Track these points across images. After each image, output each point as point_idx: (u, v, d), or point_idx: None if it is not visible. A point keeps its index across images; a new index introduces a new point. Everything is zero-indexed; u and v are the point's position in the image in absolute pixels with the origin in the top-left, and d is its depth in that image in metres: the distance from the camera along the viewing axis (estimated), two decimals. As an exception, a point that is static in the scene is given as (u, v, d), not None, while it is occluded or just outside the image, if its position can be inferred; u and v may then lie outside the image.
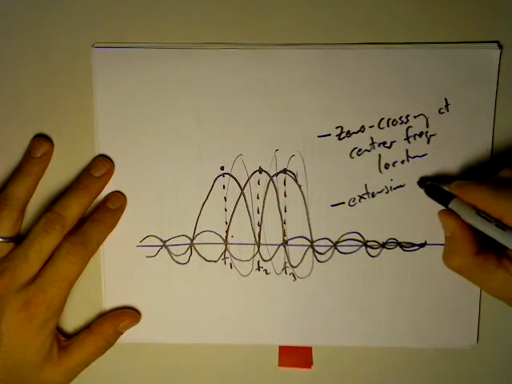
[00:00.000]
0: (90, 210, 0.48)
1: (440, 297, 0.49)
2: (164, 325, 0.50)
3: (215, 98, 0.47)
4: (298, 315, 0.50)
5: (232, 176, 0.48)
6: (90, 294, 0.50)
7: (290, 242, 0.49)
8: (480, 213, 0.42)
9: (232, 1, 0.47)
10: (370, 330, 0.50)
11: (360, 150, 0.48)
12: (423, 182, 0.48)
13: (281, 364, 0.51)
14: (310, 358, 0.51)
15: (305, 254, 0.49)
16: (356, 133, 0.48)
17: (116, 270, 0.49)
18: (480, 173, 0.48)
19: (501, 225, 0.41)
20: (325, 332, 0.50)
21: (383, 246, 0.49)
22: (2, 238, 0.46)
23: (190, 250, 0.49)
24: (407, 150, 0.48)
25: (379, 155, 0.48)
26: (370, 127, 0.48)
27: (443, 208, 0.44)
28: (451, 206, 0.44)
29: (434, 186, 0.46)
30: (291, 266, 0.49)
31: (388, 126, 0.48)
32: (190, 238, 0.49)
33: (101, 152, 0.48)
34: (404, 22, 0.47)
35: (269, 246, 0.49)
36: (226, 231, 0.49)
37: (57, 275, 0.45)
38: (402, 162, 0.48)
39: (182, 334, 0.50)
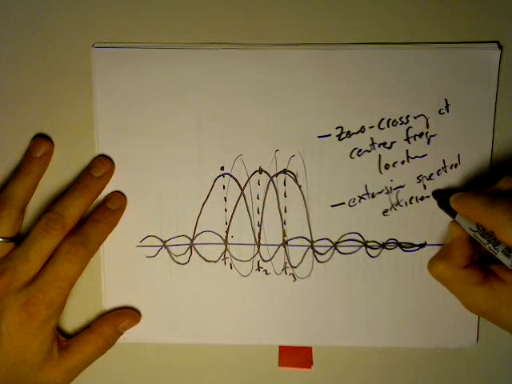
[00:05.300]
0: (90, 210, 0.48)
1: (440, 297, 0.49)
2: (164, 325, 0.50)
3: (215, 98, 0.47)
4: (298, 315, 0.50)
5: (232, 176, 0.48)
6: (90, 294, 0.50)
7: (289, 243, 0.49)
8: (479, 229, 0.42)
9: (232, 1, 0.47)
10: (370, 330, 0.50)
11: (360, 150, 0.48)
12: (437, 194, 0.48)
13: (281, 364, 0.51)
14: (310, 358, 0.51)
15: (305, 254, 0.49)
16: (356, 133, 0.48)
17: (116, 270, 0.49)
18: (480, 173, 0.48)
19: (493, 242, 0.41)
20: (325, 332, 0.50)
21: (383, 246, 0.49)
22: (2, 237, 0.46)
23: (189, 250, 0.49)
24: (407, 151, 0.48)
25: (379, 156, 0.48)
26: (370, 127, 0.48)
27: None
28: (457, 218, 0.45)
29: (444, 198, 0.46)
30: (291, 266, 0.49)
31: (388, 126, 0.47)
32: (189, 238, 0.49)
33: (101, 152, 0.48)
34: (404, 22, 0.47)
35: (269, 247, 0.49)
36: (226, 231, 0.49)
37: (57, 275, 0.45)
38: (402, 163, 0.48)
39: (182, 333, 0.50)
